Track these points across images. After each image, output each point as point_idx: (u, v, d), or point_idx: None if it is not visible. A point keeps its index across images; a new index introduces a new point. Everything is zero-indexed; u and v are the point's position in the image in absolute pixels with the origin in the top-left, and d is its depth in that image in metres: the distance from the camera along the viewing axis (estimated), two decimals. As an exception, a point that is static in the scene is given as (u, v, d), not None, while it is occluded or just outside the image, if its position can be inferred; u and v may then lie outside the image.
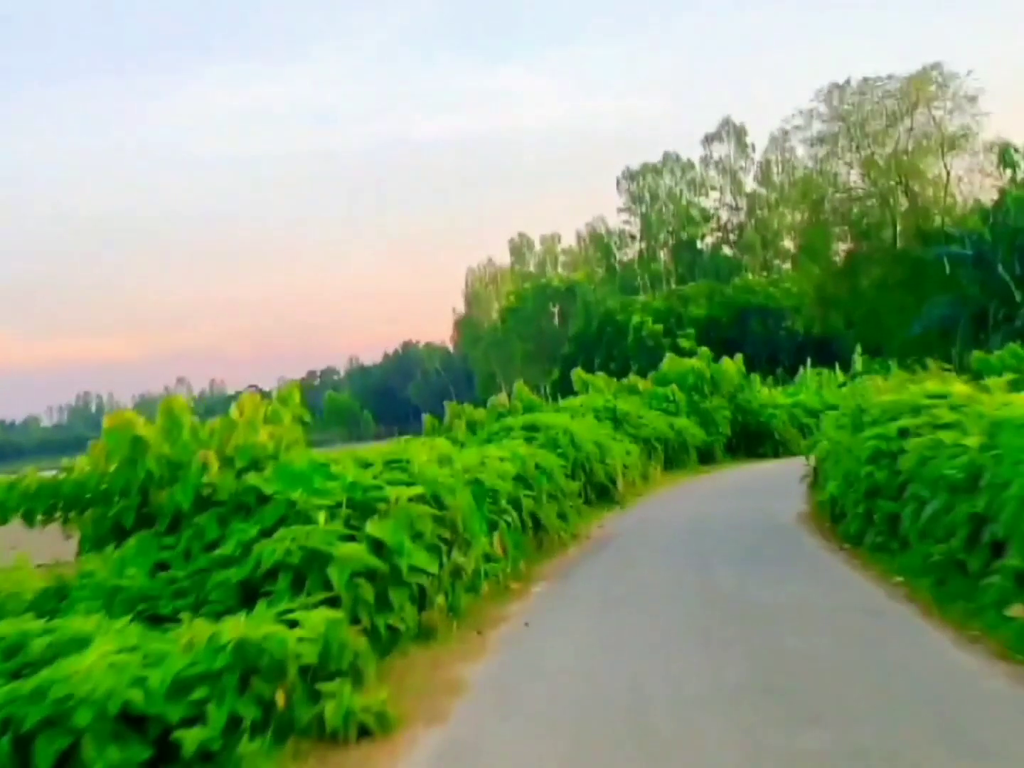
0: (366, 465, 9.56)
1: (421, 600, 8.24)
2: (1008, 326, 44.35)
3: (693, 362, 25.08)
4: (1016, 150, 43.87)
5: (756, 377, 27.33)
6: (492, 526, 11.23)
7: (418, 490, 8.93)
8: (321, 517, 7.89)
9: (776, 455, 24.74)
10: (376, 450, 10.70)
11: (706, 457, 23.71)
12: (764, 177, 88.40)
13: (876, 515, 10.21)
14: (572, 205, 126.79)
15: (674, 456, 22.43)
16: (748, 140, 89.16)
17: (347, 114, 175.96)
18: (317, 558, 7.34)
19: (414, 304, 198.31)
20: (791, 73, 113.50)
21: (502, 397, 23.36)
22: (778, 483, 18.87)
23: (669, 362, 25.70)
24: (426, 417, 23.19)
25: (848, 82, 51.48)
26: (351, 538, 7.67)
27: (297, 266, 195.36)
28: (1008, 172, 44.28)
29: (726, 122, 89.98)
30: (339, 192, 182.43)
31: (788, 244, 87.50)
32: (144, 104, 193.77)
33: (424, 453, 10.46)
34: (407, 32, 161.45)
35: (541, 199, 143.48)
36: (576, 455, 17.26)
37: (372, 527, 7.99)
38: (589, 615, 9.04)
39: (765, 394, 26.10)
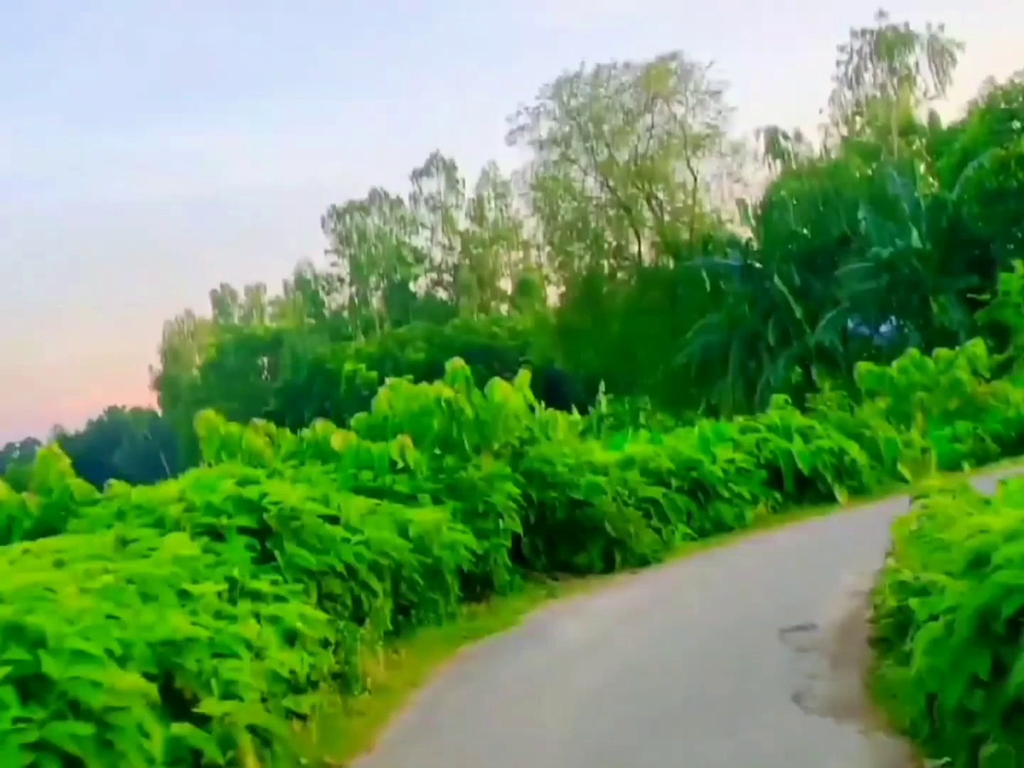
0: None
1: None
2: (786, 348, 35.18)
3: (439, 389, 11.56)
4: (786, 136, 34.99)
5: (558, 416, 13.70)
6: None
7: None
8: None
9: (611, 568, 11.34)
10: None
11: (477, 586, 10.51)
12: (477, 214, 78.59)
13: None
14: (283, 258, 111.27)
15: (415, 600, 9.11)
16: (459, 176, 79.22)
17: (35, 179, 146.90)
18: None
19: (123, 368, 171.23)
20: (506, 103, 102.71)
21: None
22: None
23: (392, 392, 11.87)
24: None
25: (579, 74, 41.25)
26: None
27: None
28: (778, 163, 35.24)
29: (435, 157, 79.45)
30: (29, 257, 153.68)
31: (506, 284, 78.53)
32: None
33: None
34: (99, 94, 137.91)
35: (251, 255, 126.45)
36: None
37: None
38: None
39: (572, 447, 12.76)
